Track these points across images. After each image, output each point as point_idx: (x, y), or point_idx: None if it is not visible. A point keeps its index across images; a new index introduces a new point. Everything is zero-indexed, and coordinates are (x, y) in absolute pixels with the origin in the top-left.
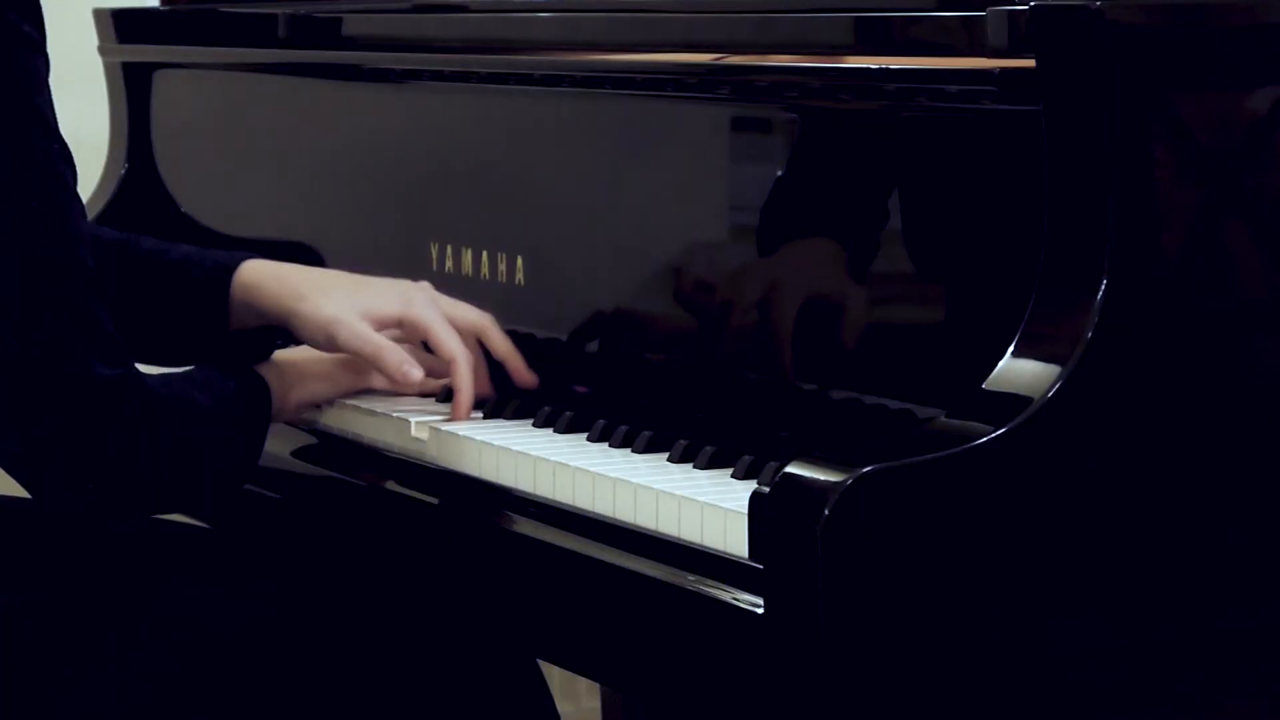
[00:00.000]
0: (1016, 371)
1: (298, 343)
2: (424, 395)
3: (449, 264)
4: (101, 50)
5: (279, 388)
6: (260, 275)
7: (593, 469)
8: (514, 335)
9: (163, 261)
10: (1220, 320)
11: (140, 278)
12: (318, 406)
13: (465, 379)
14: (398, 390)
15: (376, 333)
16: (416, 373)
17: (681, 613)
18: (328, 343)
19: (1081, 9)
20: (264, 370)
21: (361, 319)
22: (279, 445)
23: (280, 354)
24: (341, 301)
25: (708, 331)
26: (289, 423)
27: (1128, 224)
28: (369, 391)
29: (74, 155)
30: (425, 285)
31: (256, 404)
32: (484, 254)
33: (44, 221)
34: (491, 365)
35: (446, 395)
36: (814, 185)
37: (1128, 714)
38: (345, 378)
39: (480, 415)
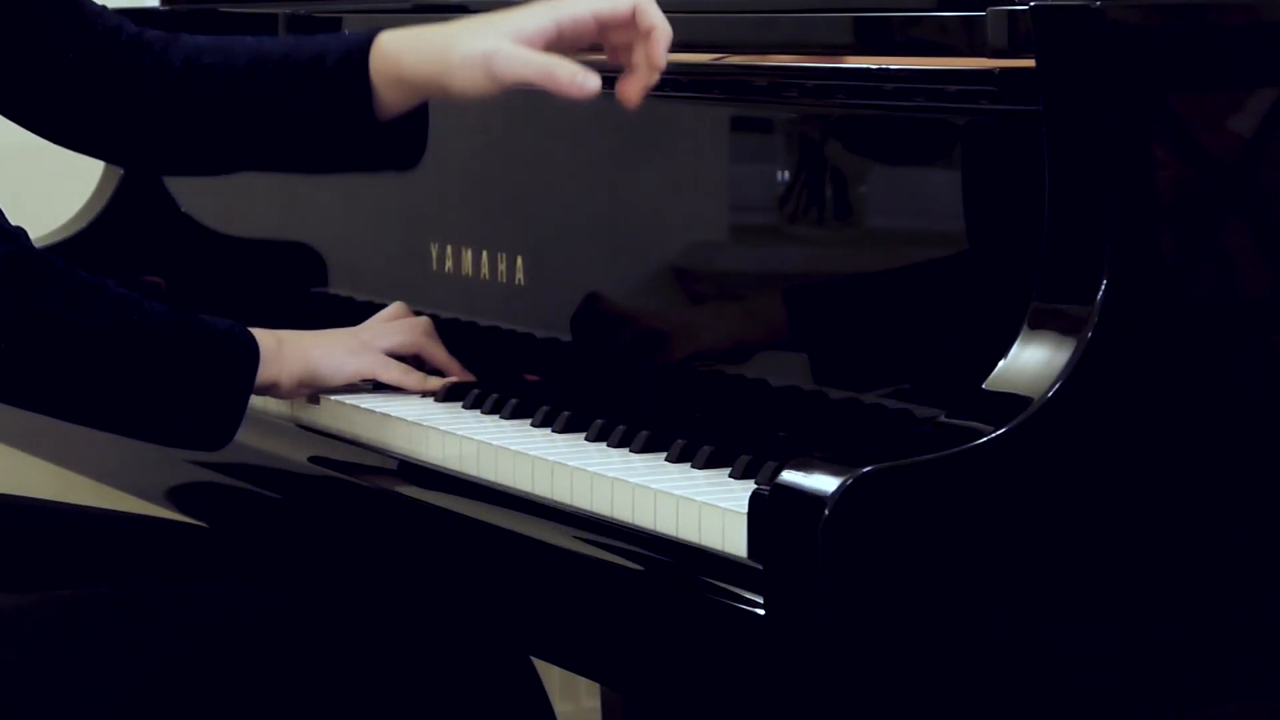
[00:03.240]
0: (1016, 371)
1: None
2: (425, 395)
3: (449, 264)
4: None
5: (271, 346)
6: (400, 43)
7: (591, 468)
8: (514, 335)
9: (295, 63)
10: (1220, 320)
11: (278, 86)
12: (319, 393)
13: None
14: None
15: (539, 52)
16: (594, 81)
17: (681, 613)
18: (489, 79)
19: (1081, 9)
20: (263, 335)
21: (517, 43)
22: (277, 444)
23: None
24: (491, 33)
25: (706, 330)
26: (291, 395)
27: (1128, 224)
28: (356, 386)
29: (74, 157)
30: None
31: (215, 345)
32: (484, 254)
33: None
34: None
35: (446, 396)
36: (813, 185)
37: (1128, 714)
38: (353, 361)
39: (479, 411)
